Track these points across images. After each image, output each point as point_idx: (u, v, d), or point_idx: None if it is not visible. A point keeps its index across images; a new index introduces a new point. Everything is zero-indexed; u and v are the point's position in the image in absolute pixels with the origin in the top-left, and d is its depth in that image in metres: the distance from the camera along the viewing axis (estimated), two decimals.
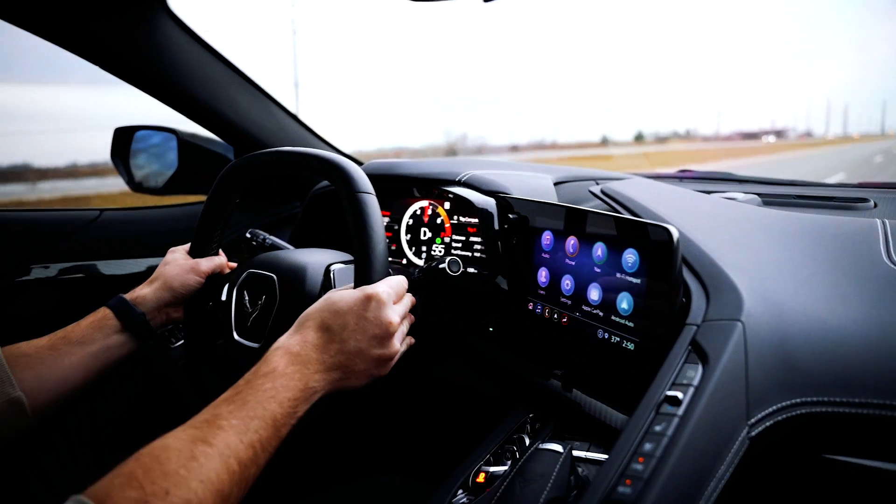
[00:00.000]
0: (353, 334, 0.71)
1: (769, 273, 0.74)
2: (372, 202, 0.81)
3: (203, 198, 1.01)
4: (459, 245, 1.11)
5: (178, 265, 0.97)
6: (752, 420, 0.60)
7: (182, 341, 1.21)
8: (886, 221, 0.86)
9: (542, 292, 0.91)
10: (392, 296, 0.76)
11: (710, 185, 1.48)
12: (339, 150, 1.75)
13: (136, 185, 1.59)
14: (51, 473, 0.86)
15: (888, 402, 0.59)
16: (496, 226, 0.98)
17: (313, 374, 0.67)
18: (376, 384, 0.76)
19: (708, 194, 1.15)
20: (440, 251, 1.15)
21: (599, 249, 0.80)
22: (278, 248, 1.12)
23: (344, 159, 0.84)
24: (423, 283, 0.93)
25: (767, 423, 0.60)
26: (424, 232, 1.17)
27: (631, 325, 0.75)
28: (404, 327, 0.79)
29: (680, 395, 0.58)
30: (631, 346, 0.75)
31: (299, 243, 1.27)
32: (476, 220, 1.06)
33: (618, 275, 0.76)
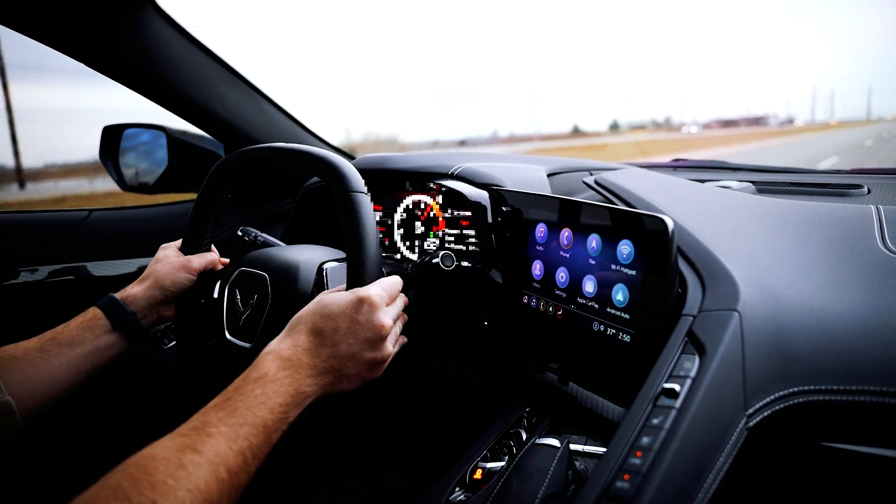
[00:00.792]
0: (344, 338, 0.70)
1: (765, 262, 0.74)
2: (364, 201, 0.80)
3: (194, 196, 1.00)
4: (453, 239, 1.10)
5: (170, 263, 0.96)
6: (750, 410, 0.59)
7: (174, 342, 1.20)
8: (880, 207, 0.86)
9: (536, 285, 0.90)
10: (384, 298, 0.75)
11: (705, 174, 1.47)
12: (331, 144, 1.74)
13: (126, 184, 1.58)
14: (39, 479, 0.84)
15: (885, 388, 0.59)
16: (489, 219, 0.97)
17: (305, 379, 0.66)
18: (369, 387, 0.75)
19: (702, 183, 1.15)
20: (434, 245, 1.14)
21: (594, 241, 0.79)
22: (270, 245, 1.11)
23: (336, 156, 0.83)
24: (417, 278, 0.93)
25: (765, 413, 0.60)
26: (418, 226, 1.16)
27: (626, 316, 0.74)
28: (397, 329, 0.78)
29: (677, 387, 0.57)
30: (627, 339, 0.74)
31: (292, 240, 1.26)
32: (469, 214, 1.05)
33: (613, 266, 0.76)
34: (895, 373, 0.59)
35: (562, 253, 0.85)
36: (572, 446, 0.77)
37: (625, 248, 0.74)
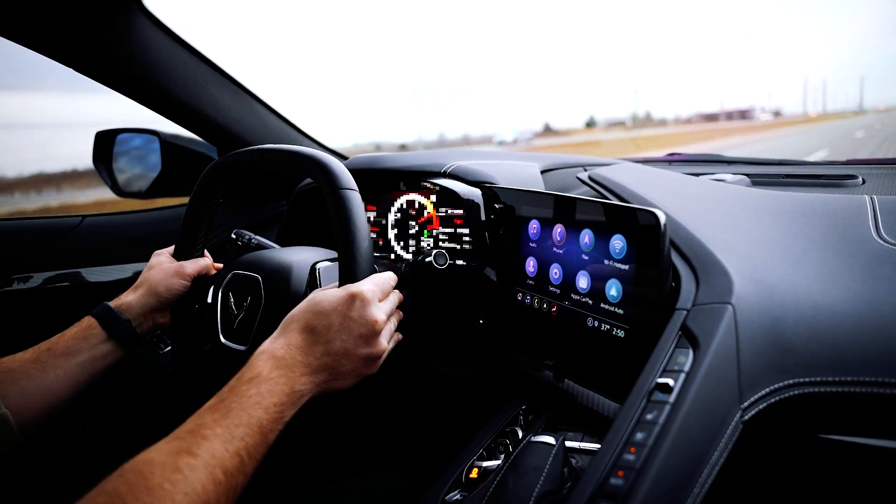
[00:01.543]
0: (338, 334, 0.70)
1: (759, 254, 0.74)
2: (355, 198, 0.79)
3: (188, 200, 1.00)
4: (447, 237, 1.09)
5: (163, 269, 0.96)
6: (745, 404, 0.59)
7: (170, 347, 1.20)
8: (875, 198, 0.85)
9: (530, 282, 0.89)
10: (377, 293, 0.75)
11: (699, 168, 1.47)
12: (324, 145, 1.73)
13: (119, 190, 1.57)
14: (39, 486, 0.84)
15: (881, 378, 0.59)
16: (483, 216, 0.97)
17: (299, 378, 0.66)
18: (365, 384, 0.75)
19: (696, 177, 1.14)
20: (428, 245, 1.13)
21: (587, 236, 0.78)
22: (264, 247, 1.11)
23: (326, 155, 0.83)
24: (411, 277, 0.92)
25: (761, 406, 0.59)
26: (412, 225, 1.16)
27: (620, 312, 0.74)
28: (391, 324, 0.78)
29: (671, 381, 0.57)
30: (621, 334, 0.74)
31: (286, 242, 1.25)
32: (462, 212, 1.05)
33: (606, 262, 0.75)
34: (891, 363, 0.59)
35: (555, 249, 0.84)
36: (568, 443, 0.76)
37: (617, 243, 0.73)
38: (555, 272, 0.84)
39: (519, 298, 0.92)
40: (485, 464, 0.78)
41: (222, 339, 0.90)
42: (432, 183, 1.05)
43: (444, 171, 1.05)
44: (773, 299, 0.66)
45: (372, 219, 1.22)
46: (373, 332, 0.72)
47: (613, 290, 0.75)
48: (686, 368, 0.58)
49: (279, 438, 0.63)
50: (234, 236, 1.15)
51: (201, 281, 0.98)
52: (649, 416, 0.54)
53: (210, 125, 1.44)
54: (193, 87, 1.37)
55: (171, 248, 1.01)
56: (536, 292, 0.89)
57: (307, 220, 1.33)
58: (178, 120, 1.41)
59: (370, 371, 0.74)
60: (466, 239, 1.06)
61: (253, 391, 0.62)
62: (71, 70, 1.24)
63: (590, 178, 1.02)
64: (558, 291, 0.84)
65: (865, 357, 0.60)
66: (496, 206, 0.95)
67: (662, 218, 0.67)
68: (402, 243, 1.19)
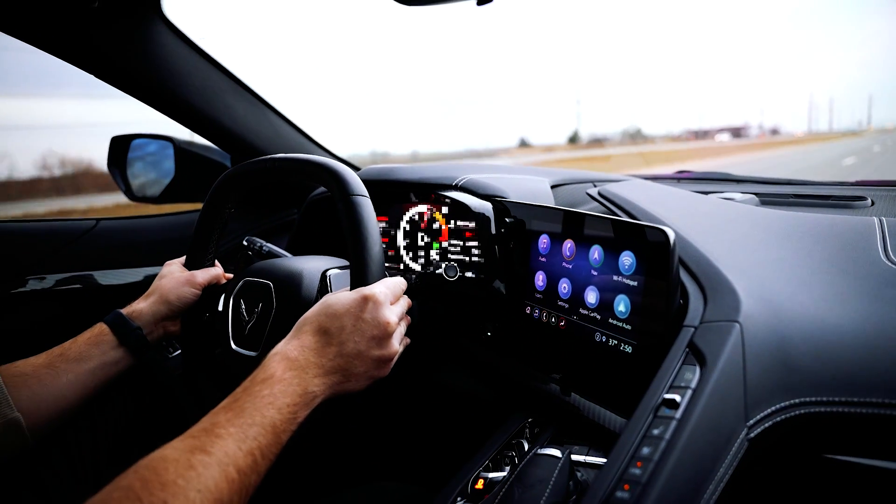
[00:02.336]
0: (351, 336, 0.71)
1: (767, 273, 0.74)
2: (366, 204, 0.81)
3: (201, 206, 1.01)
4: (457, 250, 1.10)
5: (174, 278, 0.97)
6: (751, 421, 0.59)
7: (179, 350, 1.21)
8: (884, 219, 0.86)
9: (539, 296, 0.90)
10: (389, 296, 0.76)
11: (708, 186, 1.48)
12: (336, 155, 1.75)
13: (133, 195, 1.59)
14: (49, 488, 0.85)
15: (887, 400, 0.59)
16: (493, 230, 0.98)
17: (312, 379, 0.67)
18: (376, 386, 0.75)
19: (706, 195, 1.15)
20: (438, 256, 1.14)
21: (596, 252, 0.79)
22: (276, 255, 1.12)
23: (337, 163, 0.85)
24: (421, 288, 0.93)
25: (766, 425, 0.60)
26: (422, 237, 1.17)
27: (628, 327, 0.75)
28: (402, 328, 0.79)
29: (678, 397, 0.57)
30: (629, 349, 0.74)
31: (297, 250, 1.26)
32: (473, 225, 1.06)
33: (615, 277, 0.76)
34: None
35: (564, 264, 0.85)
36: (574, 457, 0.77)
37: (626, 260, 0.74)
38: (564, 286, 0.85)
39: (527, 312, 0.93)
40: (491, 475, 0.79)
41: (233, 346, 0.91)
42: (444, 195, 1.06)
43: (456, 184, 1.07)
44: (780, 318, 0.66)
45: (382, 228, 1.23)
46: (385, 334, 0.73)
47: (622, 305, 0.75)
48: (693, 385, 0.58)
49: (288, 443, 0.64)
50: (245, 243, 1.16)
51: (212, 290, 0.99)
52: (655, 432, 0.55)
53: (225, 133, 1.46)
54: (209, 96, 1.40)
55: (183, 258, 1.02)
56: (545, 306, 0.89)
57: (318, 230, 1.34)
58: (194, 127, 1.44)
59: (382, 373, 0.75)
60: (476, 252, 1.07)
61: (266, 392, 0.63)
62: (91, 76, 1.26)
63: (599, 194, 1.03)
64: (567, 306, 0.85)
65: (871, 378, 0.61)
66: (507, 219, 0.96)
67: (672, 235, 0.68)
68: (411, 254, 1.20)
